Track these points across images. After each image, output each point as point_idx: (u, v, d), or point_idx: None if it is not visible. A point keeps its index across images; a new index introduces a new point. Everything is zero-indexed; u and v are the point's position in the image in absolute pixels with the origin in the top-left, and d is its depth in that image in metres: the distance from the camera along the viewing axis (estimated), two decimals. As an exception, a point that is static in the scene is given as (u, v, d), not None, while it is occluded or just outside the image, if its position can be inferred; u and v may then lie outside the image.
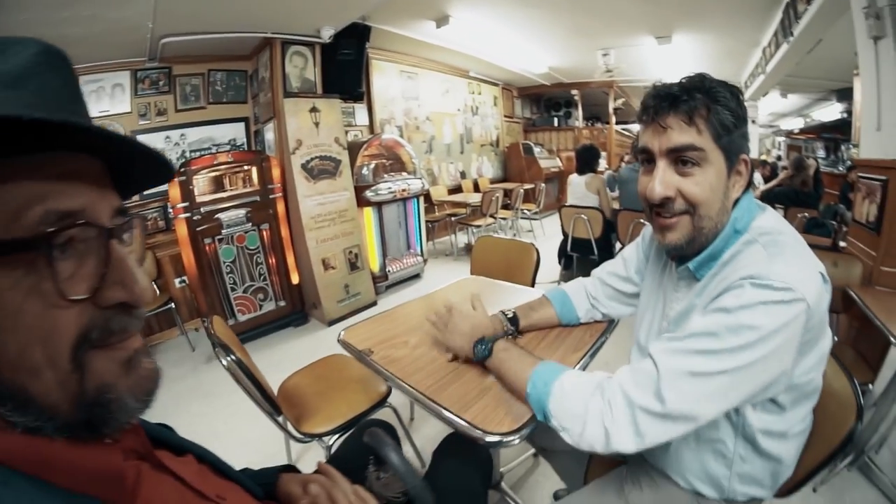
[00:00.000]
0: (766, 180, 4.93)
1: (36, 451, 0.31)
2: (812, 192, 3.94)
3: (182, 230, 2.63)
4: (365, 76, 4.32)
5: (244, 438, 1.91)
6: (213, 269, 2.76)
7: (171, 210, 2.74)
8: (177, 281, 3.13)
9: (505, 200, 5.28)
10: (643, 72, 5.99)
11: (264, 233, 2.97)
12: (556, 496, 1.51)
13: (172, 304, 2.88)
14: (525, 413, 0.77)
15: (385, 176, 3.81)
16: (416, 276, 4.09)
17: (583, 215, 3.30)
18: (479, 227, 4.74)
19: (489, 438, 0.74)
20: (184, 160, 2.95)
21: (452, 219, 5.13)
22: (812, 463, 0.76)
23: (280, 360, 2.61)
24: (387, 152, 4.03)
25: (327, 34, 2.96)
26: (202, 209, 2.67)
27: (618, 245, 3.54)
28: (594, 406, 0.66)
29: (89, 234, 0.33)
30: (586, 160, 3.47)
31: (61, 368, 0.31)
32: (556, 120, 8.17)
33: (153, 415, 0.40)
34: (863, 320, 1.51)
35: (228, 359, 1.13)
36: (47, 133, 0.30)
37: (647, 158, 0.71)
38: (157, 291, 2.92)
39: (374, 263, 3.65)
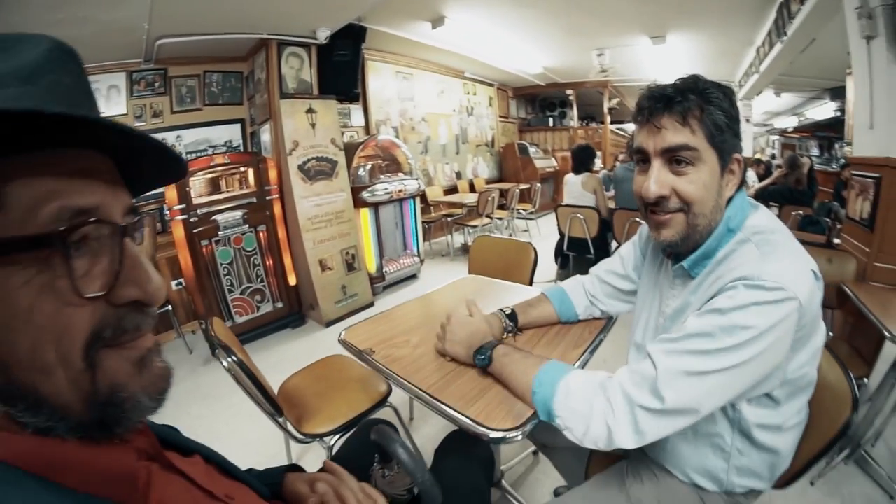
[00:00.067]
0: (761, 178, 4.96)
1: (48, 452, 0.31)
2: (806, 190, 3.97)
3: (179, 232, 2.62)
4: (361, 77, 4.33)
5: (245, 440, 1.91)
6: (210, 271, 2.74)
7: (167, 212, 2.72)
8: (173, 283, 3.10)
9: (501, 200, 5.29)
10: (638, 72, 6.02)
11: (261, 234, 2.96)
12: (557, 493, 1.51)
13: (169, 307, 2.87)
14: (526, 409, 0.78)
15: (381, 177, 3.80)
16: (413, 277, 4.09)
17: (579, 214, 3.31)
18: (475, 227, 4.75)
19: (493, 434, 0.75)
20: (180, 162, 2.94)
21: (448, 219, 5.14)
22: (809, 454, 0.78)
23: (278, 361, 2.61)
24: (383, 153, 4.03)
25: (323, 35, 2.95)
26: (199, 211, 2.65)
27: (614, 244, 3.55)
28: (598, 405, 0.68)
29: (103, 232, 0.33)
30: (582, 160, 3.49)
31: (74, 367, 0.31)
32: (551, 120, 8.19)
33: (153, 417, 0.40)
34: (857, 316, 1.53)
35: (230, 360, 1.13)
36: (62, 129, 0.30)
37: (642, 158, 0.73)
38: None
39: (371, 264, 3.64)
